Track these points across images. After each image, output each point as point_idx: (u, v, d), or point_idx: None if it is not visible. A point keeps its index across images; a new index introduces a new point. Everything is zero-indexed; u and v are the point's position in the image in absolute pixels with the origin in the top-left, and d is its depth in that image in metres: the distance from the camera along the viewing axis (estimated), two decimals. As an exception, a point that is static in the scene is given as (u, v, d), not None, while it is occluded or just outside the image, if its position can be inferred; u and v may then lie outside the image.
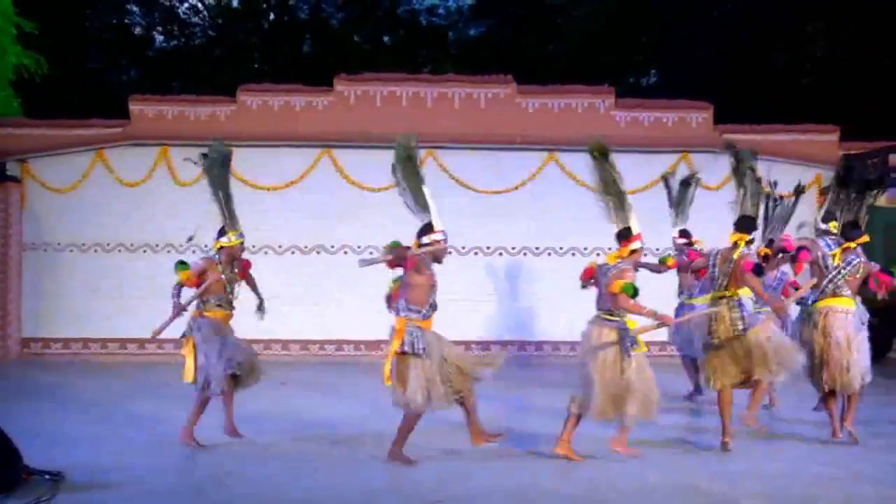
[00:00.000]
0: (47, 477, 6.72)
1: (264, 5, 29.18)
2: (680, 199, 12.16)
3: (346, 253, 15.77)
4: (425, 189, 7.96)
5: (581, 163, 15.86)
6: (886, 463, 7.93)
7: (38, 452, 7.15)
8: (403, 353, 7.63)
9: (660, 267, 11.44)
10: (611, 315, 7.80)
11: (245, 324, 15.54)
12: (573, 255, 15.75)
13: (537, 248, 15.90)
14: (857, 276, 8.79)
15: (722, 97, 17.81)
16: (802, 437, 8.86)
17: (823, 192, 15.53)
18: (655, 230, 15.18)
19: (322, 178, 15.70)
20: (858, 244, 8.87)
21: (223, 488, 6.94)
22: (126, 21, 28.91)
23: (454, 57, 28.40)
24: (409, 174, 7.98)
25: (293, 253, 15.79)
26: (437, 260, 7.92)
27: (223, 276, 8.59)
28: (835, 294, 8.72)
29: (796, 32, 23.73)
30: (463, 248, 15.82)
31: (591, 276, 8.20)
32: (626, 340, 7.69)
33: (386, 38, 29.84)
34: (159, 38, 29.57)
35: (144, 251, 15.70)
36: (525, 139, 15.69)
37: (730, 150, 9.25)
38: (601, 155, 8.13)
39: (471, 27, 30.49)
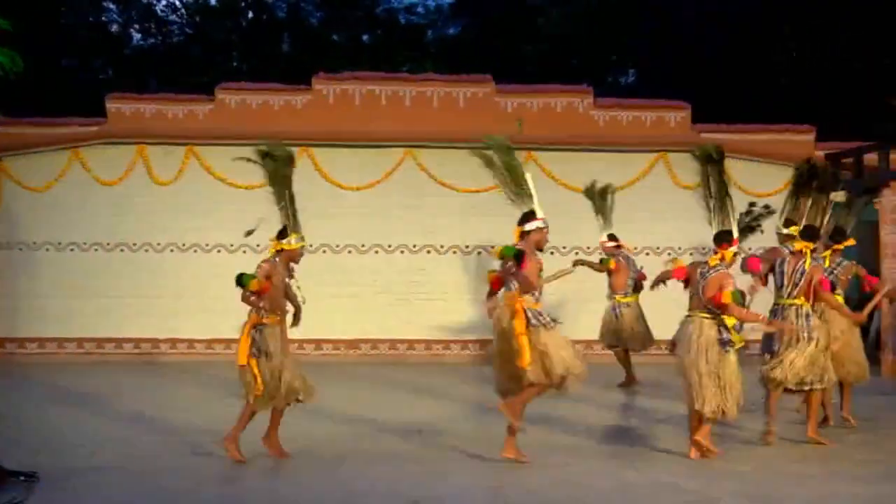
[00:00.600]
0: (22, 478, 6.67)
1: (243, 4, 29.04)
2: (601, 207, 12.87)
3: (324, 252, 15.73)
4: (528, 177, 8.00)
5: (560, 162, 16.03)
6: (860, 461, 7.98)
7: (12, 453, 7.09)
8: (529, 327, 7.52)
9: (601, 267, 12.59)
10: (710, 315, 7.92)
11: (224, 323, 15.53)
12: (552, 253, 15.65)
13: (516, 248, 15.90)
14: (848, 276, 9.34)
15: (699, 97, 17.88)
16: (777, 436, 8.89)
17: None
18: (633, 230, 15.32)
19: (300, 178, 15.55)
20: (845, 246, 9.20)
21: (201, 488, 6.90)
22: (103, 19, 28.71)
23: (433, 56, 28.37)
24: (509, 164, 8.05)
25: (271, 252, 15.72)
26: (539, 247, 7.87)
27: (286, 280, 8.08)
28: None
29: (773, 33, 23.86)
30: (441, 246, 15.83)
31: (685, 277, 8.30)
32: (724, 338, 7.85)
33: (365, 37, 29.78)
34: (136, 36, 29.41)
35: (122, 250, 15.61)
36: (504, 139, 15.67)
37: (803, 166, 9.40)
38: (717, 158, 8.36)
39: (450, 26, 30.48)
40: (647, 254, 15.29)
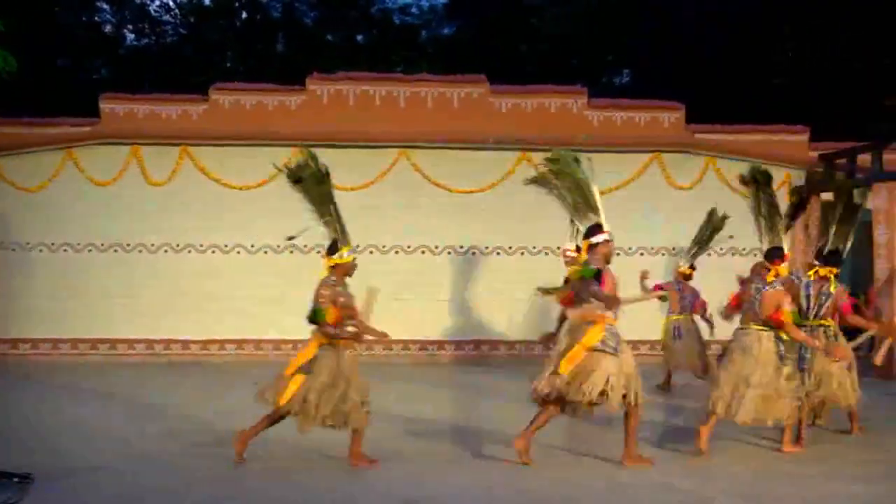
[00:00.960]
0: (16, 479, 6.63)
1: (237, 4, 28.99)
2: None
3: (318, 252, 15.58)
4: (595, 189, 7.94)
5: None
6: (856, 461, 7.99)
7: (6, 453, 7.08)
8: (597, 350, 7.48)
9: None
10: (767, 328, 8.19)
11: (219, 324, 15.54)
12: (546, 254, 15.76)
13: (510, 248, 15.92)
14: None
15: (698, 97, 17.88)
16: (770, 437, 8.88)
17: (793, 192, 15.68)
18: (627, 230, 15.33)
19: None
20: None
21: (193, 488, 6.89)
22: (96, 19, 28.66)
23: (428, 56, 28.36)
24: (576, 177, 7.96)
25: (266, 252, 15.72)
26: (607, 260, 7.84)
27: (343, 300, 7.74)
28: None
29: (773, 33, 23.87)
30: (436, 247, 15.83)
31: (738, 302, 8.61)
32: (781, 351, 8.18)
33: (359, 38, 29.74)
34: (130, 36, 29.35)
35: (115, 251, 15.59)
36: (498, 139, 15.70)
37: (830, 177, 9.80)
38: (763, 180, 8.69)
39: (444, 26, 30.46)
40: (641, 254, 15.33)
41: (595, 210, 7.88)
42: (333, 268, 7.86)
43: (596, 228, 7.82)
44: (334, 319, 7.59)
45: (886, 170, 14.38)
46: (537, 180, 8.22)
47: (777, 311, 8.09)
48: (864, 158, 14.73)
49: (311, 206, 8.13)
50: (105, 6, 28.64)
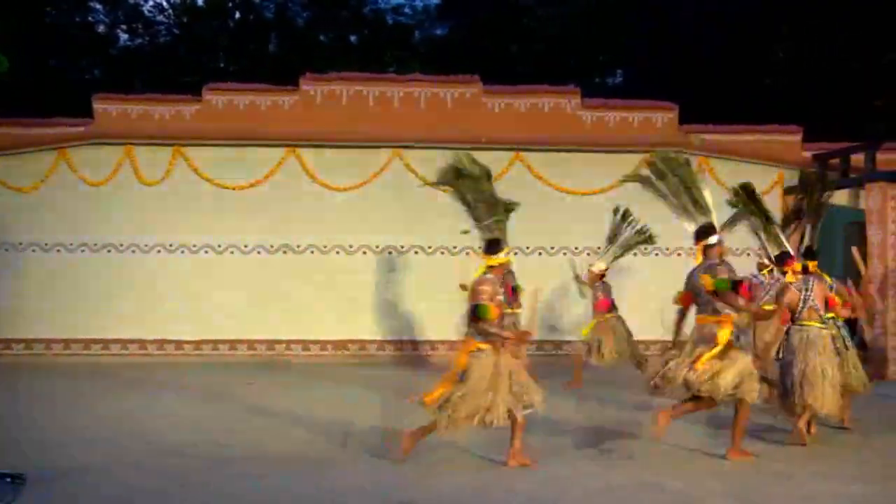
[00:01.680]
0: (8, 479, 6.62)
1: (230, 4, 28.98)
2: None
3: (311, 252, 15.74)
4: (706, 192, 8.05)
5: (547, 163, 16.05)
6: (845, 461, 8.02)
7: (-2, 455, 7.07)
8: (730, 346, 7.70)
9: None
10: (824, 325, 8.63)
11: (213, 324, 15.52)
12: (539, 254, 15.80)
13: (503, 248, 15.92)
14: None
15: (695, 97, 17.89)
16: (761, 437, 8.91)
17: (787, 192, 15.73)
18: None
19: (288, 178, 15.64)
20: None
21: (186, 489, 6.89)
22: (90, 19, 28.62)
23: (421, 56, 28.37)
24: (687, 179, 8.08)
25: (259, 252, 15.72)
26: (721, 258, 7.95)
27: (500, 298, 7.62)
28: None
29: (771, 33, 23.91)
30: (429, 247, 15.83)
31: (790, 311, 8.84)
32: (837, 345, 8.70)
33: (352, 38, 29.75)
34: (123, 36, 29.31)
35: (108, 251, 15.57)
36: (491, 139, 15.70)
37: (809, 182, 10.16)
38: (749, 193, 9.31)
39: (437, 27, 30.49)
40: (634, 254, 15.30)
41: (705, 212, 7.98)
42: (491, 267, 7.77)
43: (710, 229, 7.91)
44: (495, 316, 7.48)
45: (879, 170, 14.43)
46: (640, 180, 8.34)
47: (832, 299, 8.75)
48: (858, 158, 14.78)
49: (473, 203, 8.12)
50: (98, 6, 28.60)
